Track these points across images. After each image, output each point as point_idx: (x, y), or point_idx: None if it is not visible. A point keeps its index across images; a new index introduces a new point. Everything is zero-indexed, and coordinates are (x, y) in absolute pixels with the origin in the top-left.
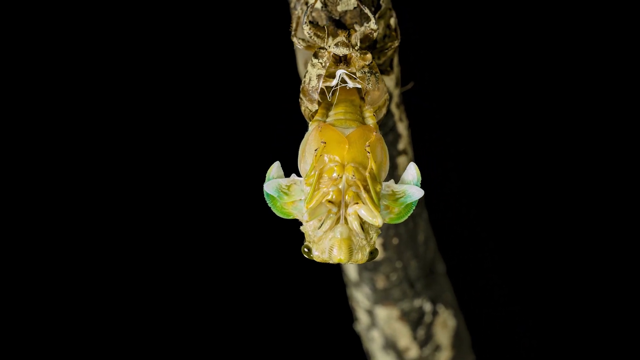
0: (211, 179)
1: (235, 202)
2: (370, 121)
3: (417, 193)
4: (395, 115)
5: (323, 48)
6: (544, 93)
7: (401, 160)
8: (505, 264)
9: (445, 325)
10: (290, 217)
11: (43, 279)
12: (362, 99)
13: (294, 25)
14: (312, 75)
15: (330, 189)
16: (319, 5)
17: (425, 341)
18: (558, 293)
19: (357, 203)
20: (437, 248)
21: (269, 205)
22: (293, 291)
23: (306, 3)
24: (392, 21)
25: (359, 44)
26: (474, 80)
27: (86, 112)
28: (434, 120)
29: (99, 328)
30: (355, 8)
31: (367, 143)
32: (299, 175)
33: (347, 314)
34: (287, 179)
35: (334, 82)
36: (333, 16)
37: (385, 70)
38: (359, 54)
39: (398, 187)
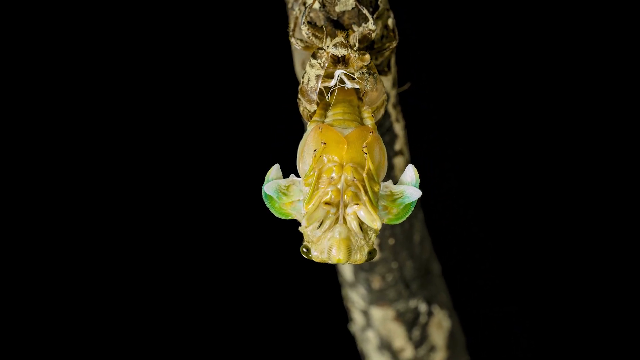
0: (211, 179)
1: (234, 202)
2: (369, 122)
3: (415, 194)
4: (392, 116)
5: (321, 49)
6: (542, 93)
7: (397, 160)
8: (502, 264)
9: (440, 326)
10: (289, 218)
11: (43, 279)
12: (360, 99)
13: (291, 25)
14: (311, 75)
15: (329, 189)
16: (317, 5)
17: (420, 342)
18: (556, 293)
19: (357, 204)
20: (433, 248)
21: (267, 205)
22: (287, 291)
23: (304, 3)
24: (390, 22)
25: (357, 45)
26: (471, 80)
27: (85, 112)
28: (431, 120)
29: (99, 328)
30: (353, 8)
31: (364, 144)
32: (297, 175)
33: (342, 315)
34: (285, 179)
35: (332, 83)
36: (331, 16)
37: (382, 70)
38: (357, 55)
39: (396, 188)
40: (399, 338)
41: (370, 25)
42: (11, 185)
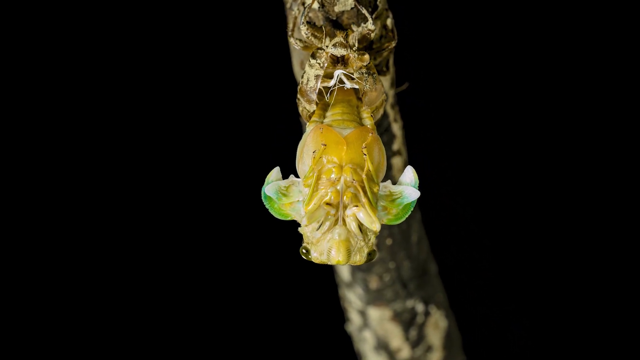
0: (211, 179)
1: (234, 201)
2: (368, 122)
3: (414, 194)
4: (390, 116)
5: (321, 49)
6: (539, 93)
7: (395, 161)
8: (500, 263)
9: (437, 326)
10: (288, 219)
11: (43, 279)
12: (359, 99)
13: (290, 25)
14: (310, 75)
15: (328, 190)
16: (316, 5)
17: (417, 342)
18: (554, 292)
19: (356, 206)
20: (430, 248)
21: (267, 206)
22: (284, 292)
23: (303, 3)
24: (389, 22)
25: (356, 45)
26: (469, 80)
27: (84, 113)
28: (429, 119)
29: (99, 328)
30: (352, 8)
31: (363, 144)
32: (297, 176)
33: (338, 315)
34: (285, 180)
35: (331, 83)
36: (330, 16)
37: (381, 70)
38: (356, 55)
39: (395, 188)
40: (396, 338)
41: (370, 25)
42: (11, 185)
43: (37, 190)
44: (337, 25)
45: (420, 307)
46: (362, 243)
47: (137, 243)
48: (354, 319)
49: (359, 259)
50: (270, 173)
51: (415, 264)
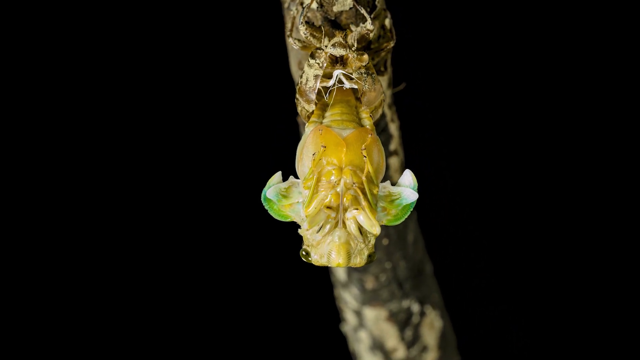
0: (211, 179)
1: (232, 201)
2: (367, 122)
3: (412, 196)
4: (387, 116)
5: (320, 49)
6: (537, 93)
7: (392, 161)
8: (498, 263)
9: (432, 326)
10: (288, 220)
11: (43, 279)
12: (358, 99)
13: (289, 25)
14: (309, 75)
15: (328, 193)
16: (314, 5)
17: (413, 342)
18: (551, 292)
19: (356, 209)
20: (426, 249)
21: (266, 207)
22: (279, 292)
23: (301, 3)
24: (387, 22)
25: (355, 45)
26: (468, 80)
27: (83, 113)
28: (427, 119)
29: (99, 328)
30: (351, 8)
31: (363, 146)
32: (296, 177)
33: (334, 315)
34: (285, 182)
35: (330, 83)
36: (329, 16)
37: (378, 70)
38: (355, 55)
39: (394, 189)
40: (392, 338)
41: (369, 25)
42: (11, 185)
43: (38, 191)
44: (335, 25)
45: (415, 307)
46: (362, 245)
47: (136, 241)
48: (350, 319)
49: (359, 261)
50: (272, 177)
51: (411, 264)
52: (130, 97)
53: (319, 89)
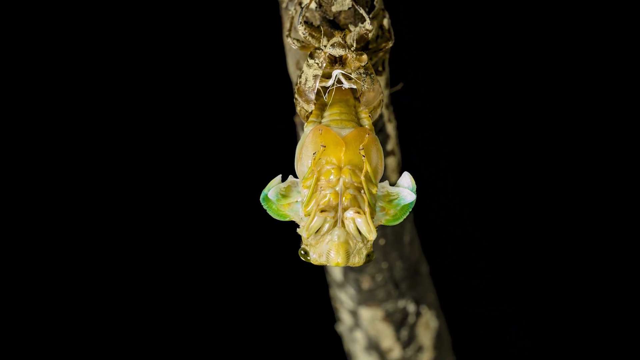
0: (211, 179)
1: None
2: (366, 122)
3: (410, 196)
4: (384, 116)
5: (319, 48)
6: (535, 93)
7: (389, 161)
8: (497, 263)
9: (427, 326)
10: (287, 219)
11: (43, 279)
12: (357, 99)
13: (287, 25)
14: (309, 75)
15: (327, 192)
16: (313, 5)
17: (408, 342)
18: (551, 292)
19: (358, 212)
20: (422, 249)
21: (265, 208)
22: (273, 291)
23: (300, 3)
24: (385, 22)
25: (354, 45)
26: (466, 80)
27: (82, 114)
28: (426, 119)
29: (99, 328)
30: (349, 8)
31: (361, 146)
32: (295, 176)
33: (329, 315)
34: (284, 181)
35: (329, 83)
36: (327, 16)
37: (376, 70)
38: (355, 55)
39: (392, 189)
40: (387, 338)
41: (367, 25)
42: (11, 186)
43: (38, 191)
44: (334, 25)
45: (411, 308)
46: (361, 245)
47: (134, 238)
48: (345, 319)
49: (358, 260)
50: (272, 181)
51: (408, 264)
52: (128, 97)
53: (318, 88)
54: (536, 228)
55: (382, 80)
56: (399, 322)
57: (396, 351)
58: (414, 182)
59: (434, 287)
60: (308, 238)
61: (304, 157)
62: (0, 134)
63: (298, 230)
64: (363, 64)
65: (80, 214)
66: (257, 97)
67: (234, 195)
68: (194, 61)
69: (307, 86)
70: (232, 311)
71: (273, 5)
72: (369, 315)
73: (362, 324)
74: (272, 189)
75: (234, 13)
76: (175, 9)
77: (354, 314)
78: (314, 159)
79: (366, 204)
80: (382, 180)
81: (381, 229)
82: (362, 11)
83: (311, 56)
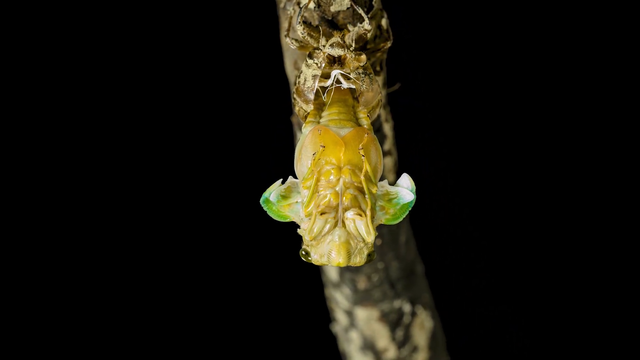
0: (211, 179)
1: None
2: (365, 122)
3: (409, 196)
4: (381, 116)
5: (318, 48)
6: (534, 93)
7: (386, 161)
8: (497, 263)
9: (422, 327)
10: (287, 220)
11: (43, 279)
12: (355, 98)
13: (285, 25)
14: (308, 75)
15: (327, 192)
16: (312, 5)
17: (404, 342)
18: (550, 292)
19: (359, 214)
20: (419, 249)
21: (265, 209)
22: (267, 292)
23: (298, 3)
24: (384, 22)
25: (353, 45)
26: (466, 79)
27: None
28: (426, 119)
29: (98, 328)
30: (348, 8)
31: (360, 146)
32: (295, 177)
33: (323, 315)
34: (284, 183)
35: (328, 83)
36: (326, 16)
37: (374, 70)
38: (354, 55)
39: (392, 189)
40: (383, 338)
41: (366, 25)
42: (11, 186)
43: (38, 191)
44: (332, 25)
45: (407, 308)
46: (362, 244)
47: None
48: (341, 319)
49: (359, 260)
50: (272, 185)
51: (403, 265)
52: (127, 98)
53: (317, 88)
54: (536, 228)
55: (379, 80)
56: (395, 322)
57: (391, 351)
58: (413, 183)
59: (429, 287)
60: (312, 241)
61: (304, 157)
62: (0, 134)
63: (299, 231)
64: (362, 64)
65: (80, 214)
66: (256, 97)
67: (231, 196)
68: (191, 61)
69: (306, 86)
70: (228, 311)
71: (270, 5)
72: (365, 315)
73: (357, 324)
74: (273, 192)
75: (231, 14)
76: (173, 10)
77: (350, 314)
78: (314, 159)
79: (369, 207)
80: (383, 180)
81: (378, 229)
82: (360, 11)
83: (310, 56)
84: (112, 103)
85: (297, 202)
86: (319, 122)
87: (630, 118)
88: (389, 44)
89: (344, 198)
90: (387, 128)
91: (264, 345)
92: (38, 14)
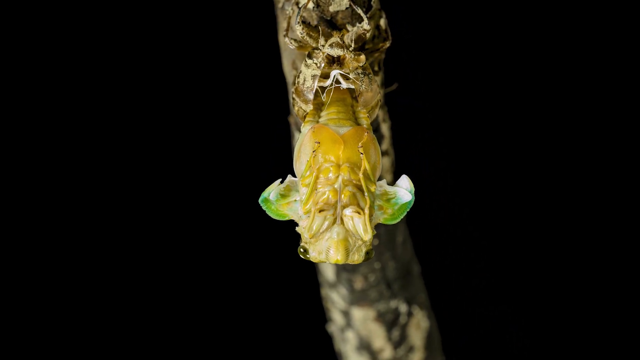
0: (210, 179)
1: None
2: (364, 122)
3: (407, 196)
4: (379, 116)
5: (317, 48)
6: (533, 93)
7: (383, 161)
8: (497, 263)
9: (419, 327)
10: (286, 219)
11: (43, 279)
12: (354, 98)
13: (284, 25)
14: (307, 75)
15: (326, 189)
16: (311, 5)
17: (400, 342)
18: (551, 292)
19: (358, 212)
20: (415, 249)
21: (264, 208)
22: (263, 291)
23: (297, 3)
24: (382, 22)
25: (352, 45)
26: (466, 79)
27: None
28: (426, 119)
29: (98, 328)
30: (347, 8)
31: (359, 144)
32: (294, 176)
33: (319, 315)
34: (283, 182)
35: (328, 83)
36: (324, 16)
37: (372, 70)
38: (353, 55)
39: (390, 188)
40: (379, 338)
41: (365, 25)
42: (11, 186)
43: (38, 191)
44: (331, 25)
45: (403, 308)
46: (360, 242)
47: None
48: (337, 319)
49: (357, 258)
50: (270, 185)
51: (400, 265)
52: (126, 98)
53: (316, 88)
54: (536, 228)
55: (377, 80)
56: (391, 322)
57: (387, 351)
58: (412, 184)
59: (425, 287)
60: (312, 238)
61: (303, 156)
62: (0, 134)
63: (297, 228)
64: (361, 64)
65: (80, 214)
66: (254, 97)
67: (230, 195)
68: (190, 61)
69: (305, 86)
70: (224, 310)
71: (267, 5)
72: (361, 315)
73: (354, 324)
74: (273, 191)
75: (229, 14)
76: (171, 10)
77: (346, 314)
78: (312, 155)
79: (367, 205)
80: (382, 179)
81: (376, 229)
82: (359, 11)
83: (309, 56)
84: (112, 103)
85: (295, 200)
86: (317, 122)
87: (630, 118)
88: (387, 44)
89: (343, 195)
90: (385, 128)
91: (260, 345)
92: (38, 14)
